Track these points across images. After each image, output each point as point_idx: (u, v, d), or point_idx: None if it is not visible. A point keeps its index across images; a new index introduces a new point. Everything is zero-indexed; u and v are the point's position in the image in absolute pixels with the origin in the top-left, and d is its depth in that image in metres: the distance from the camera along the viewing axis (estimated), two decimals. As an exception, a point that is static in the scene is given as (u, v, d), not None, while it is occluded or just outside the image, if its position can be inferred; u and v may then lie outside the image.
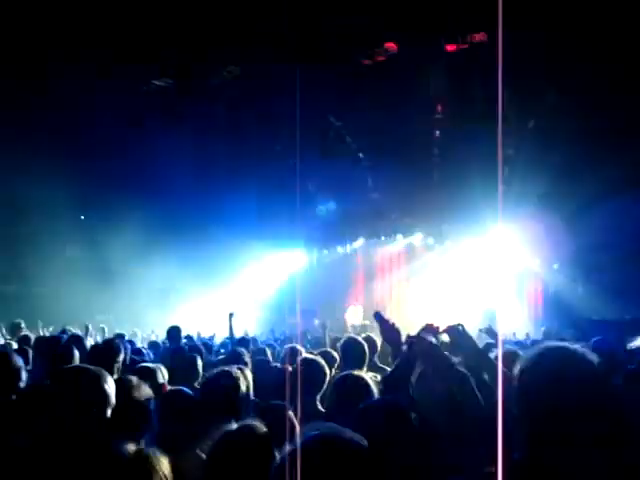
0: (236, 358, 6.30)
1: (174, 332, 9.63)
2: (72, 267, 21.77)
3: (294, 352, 5.97)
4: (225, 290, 23.25)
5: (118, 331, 12.46)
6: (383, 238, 24.25)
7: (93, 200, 21.11)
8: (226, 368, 4.30)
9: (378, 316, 4.48)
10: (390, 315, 4.82)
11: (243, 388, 4.10)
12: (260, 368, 6.27)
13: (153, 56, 13.65)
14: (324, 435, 1.82)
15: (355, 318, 22.57)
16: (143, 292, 21.49)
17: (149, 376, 4.76)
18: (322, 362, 5.14)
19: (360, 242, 24.59)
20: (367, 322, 21.84)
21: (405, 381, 3.82)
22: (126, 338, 10.53)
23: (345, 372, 4.58)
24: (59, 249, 22.53)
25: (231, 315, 9.97)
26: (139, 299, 21.23)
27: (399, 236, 23.93)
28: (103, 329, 13.55)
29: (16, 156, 16.44)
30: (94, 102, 15.26)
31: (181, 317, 17.81)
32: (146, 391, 3.72)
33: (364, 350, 5.89)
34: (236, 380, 4.09)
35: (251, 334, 15.14)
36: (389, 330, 4.39)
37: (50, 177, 16.92)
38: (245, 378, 4.25)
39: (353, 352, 5.88)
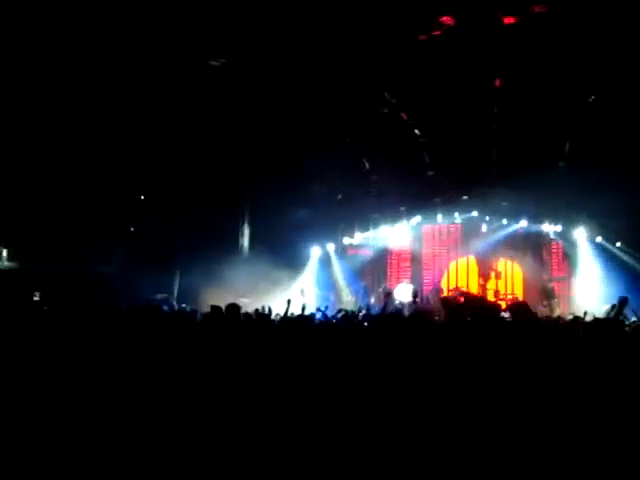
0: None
1: (232, 309, 9.75)
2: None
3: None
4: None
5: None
6: (440, 216, 23.99)
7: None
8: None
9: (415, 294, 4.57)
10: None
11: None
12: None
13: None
14: None
15: (404, 295, 22.48)
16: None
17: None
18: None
19: (417, 219, 24.37)
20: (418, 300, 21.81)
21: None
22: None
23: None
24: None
25: (289, 301, 10.48)
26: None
27: (456, 214, 23.64)
28: None
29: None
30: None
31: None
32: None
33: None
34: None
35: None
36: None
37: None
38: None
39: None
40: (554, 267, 22.55)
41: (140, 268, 20.71)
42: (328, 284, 25.77)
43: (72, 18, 12.36)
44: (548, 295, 20.10)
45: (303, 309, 11.11)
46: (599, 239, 20.87)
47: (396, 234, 24.63)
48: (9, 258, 20.33)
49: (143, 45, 13.64)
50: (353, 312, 11.16)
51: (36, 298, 16.92)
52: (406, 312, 11.32)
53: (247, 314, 12.07)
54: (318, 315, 13.19)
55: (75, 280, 19.98)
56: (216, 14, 12.66)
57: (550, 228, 22.03)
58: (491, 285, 22.41)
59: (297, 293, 22.47)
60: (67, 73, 14.46)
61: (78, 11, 12.12)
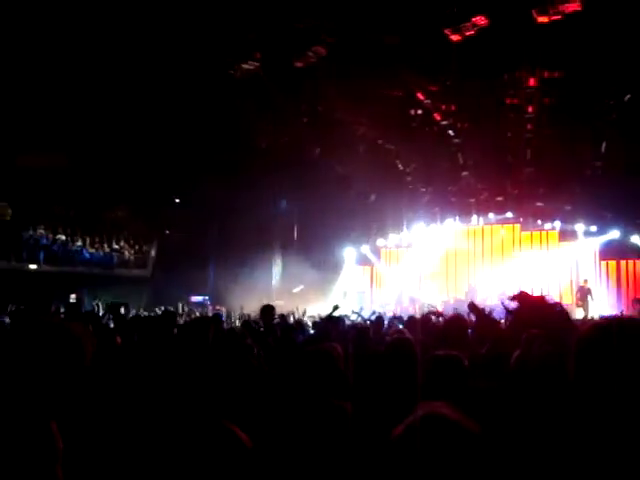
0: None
1: (267, 310, 9.80)
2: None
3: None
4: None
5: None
6: (475, 217, 23.91)
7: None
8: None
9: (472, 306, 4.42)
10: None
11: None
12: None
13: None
14: (439, 415, 1.83)
15: (437, 297, 22.50)
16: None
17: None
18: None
19: (450, 221, 24.33)
20: (449, 300, 21.79)
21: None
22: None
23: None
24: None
25: (336, 307, 10.60)
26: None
27: (490, 215, 23.53)
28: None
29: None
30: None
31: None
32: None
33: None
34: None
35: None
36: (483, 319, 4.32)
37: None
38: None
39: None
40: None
41: (174, 270, 20.95)
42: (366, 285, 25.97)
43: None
44: (584, 296, 19.94)
45: (335, 309, 11.19)
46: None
47: (432, 235, 24.59)
48: (45, 261, 20.70)
49: (165, 51, 13.78)
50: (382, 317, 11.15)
51: (72, 300, 17.20)
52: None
53: (282, 316, 12.21)
54: (353, 317, 13.24)
55: (111, 282, 20.26)
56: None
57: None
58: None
59: (339, 295, 22.61)
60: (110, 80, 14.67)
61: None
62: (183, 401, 3.25)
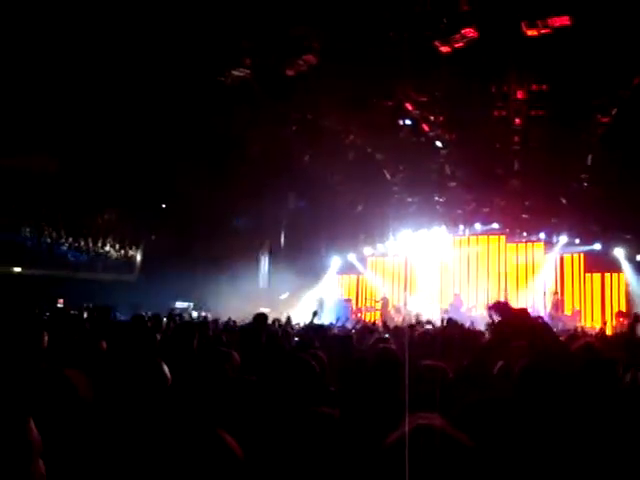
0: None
1: (260, 319, 9.78)
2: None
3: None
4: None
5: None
6: (461, 227, 24.01)
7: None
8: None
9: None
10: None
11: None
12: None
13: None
14: (429, 428, 1.83)
15: (422, 307, 22.57)
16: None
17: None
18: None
19: (436, 231, 24.40)
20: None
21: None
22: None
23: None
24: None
25: (315, 314, 10.78)
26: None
27: (477, 225, 23.63)
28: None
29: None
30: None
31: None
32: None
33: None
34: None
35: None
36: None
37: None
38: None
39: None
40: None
41: (160, 275, 20.88)
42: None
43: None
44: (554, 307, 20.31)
45: (314, 315, 11.31)
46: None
47: (418, 244, 24.65)
48: (30, 264, 20.57)
49: (162, 54, 13.76)
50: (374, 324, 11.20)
51: (60, 305, 17.09)
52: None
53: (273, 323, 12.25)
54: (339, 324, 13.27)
55: (96, 286, 20.15)
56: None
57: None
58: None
59: (314, 302, 22.61)
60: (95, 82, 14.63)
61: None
62: (171, 408, 3.24)
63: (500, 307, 4.41)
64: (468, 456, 1.79)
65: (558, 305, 20.71)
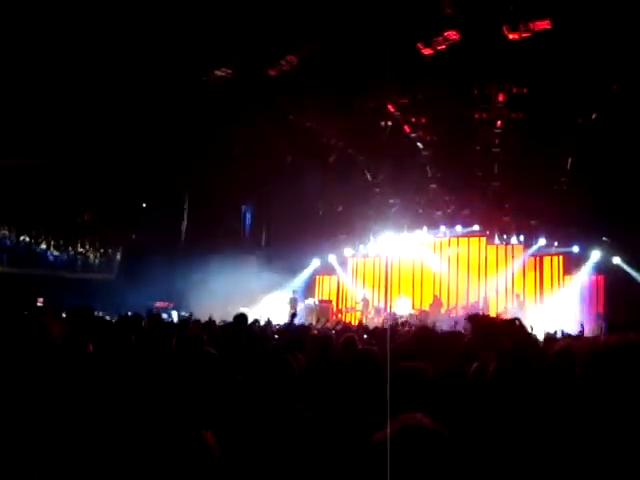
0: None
1: (240, 319, 9.75)
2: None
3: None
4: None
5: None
6: (442, 229, 24.06)
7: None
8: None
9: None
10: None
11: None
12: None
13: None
14: (419, 427, 1.84)
15: (403, 309, 22.59)
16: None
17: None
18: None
19: (417, 233, 24.44)
20: (414, 312, 21.94)
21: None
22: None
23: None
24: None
25: (294, 315, 10.81)
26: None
27: (457, 227, 23.69)
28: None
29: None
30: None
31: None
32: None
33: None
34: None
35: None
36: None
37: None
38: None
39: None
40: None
41: (140, 275, 20.76)
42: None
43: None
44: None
45: (293, 317, 11.32)
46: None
47: (399, 246, 24.68)
48: (9, 263, 20.39)
49: (150, 54, 13.70)
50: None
51: (39, 304, 16.92)
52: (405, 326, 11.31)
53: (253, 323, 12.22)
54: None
55: (75, 285, 20.00)
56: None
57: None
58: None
59: (285, 301, 22.64)
60: (70, 80, 14.52)
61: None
62: (156, 409, 3.23)
63: (478, 320, 4.41)
64: (456, 454, 1.80)
65: (521, 306, 20.85)
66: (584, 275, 21.50)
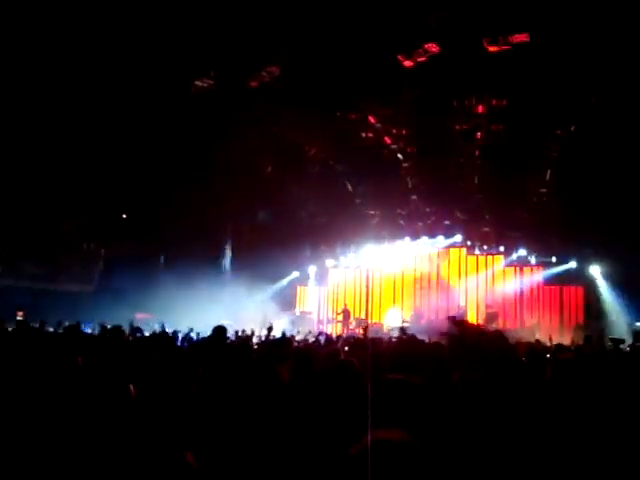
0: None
1: (220, 332, 9.68)
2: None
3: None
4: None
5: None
6: (423, 240, 24.11)
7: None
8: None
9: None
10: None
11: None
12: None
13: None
14: (389, 441, 1.85)
15: (394, 320, 22.56)
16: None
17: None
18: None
19: (398, 243, 24.48)
20: (406, 323, 21.92)
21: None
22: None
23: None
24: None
25: (270, 328, 10.84)
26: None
27: (438, 238, 23.77)
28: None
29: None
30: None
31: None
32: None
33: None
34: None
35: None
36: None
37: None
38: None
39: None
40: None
41: (120, 287, 20.64)
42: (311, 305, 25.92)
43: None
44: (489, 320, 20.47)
45: (269, 330, 11.33)
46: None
47: (380, 256, 24.69)
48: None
49: (133, 67, 13.68)
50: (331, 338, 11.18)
51: (19, 317, 16.74)
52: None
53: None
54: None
55: (55, 297, 19.85)
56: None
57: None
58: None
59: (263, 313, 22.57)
60: (49, 89, 14.45)
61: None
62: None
63: (459, 322, 4.45)
64: (430, 467, 1.82)
65: (493, 318, 20.86)
66: (565, 286, 21.68)
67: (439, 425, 3.20)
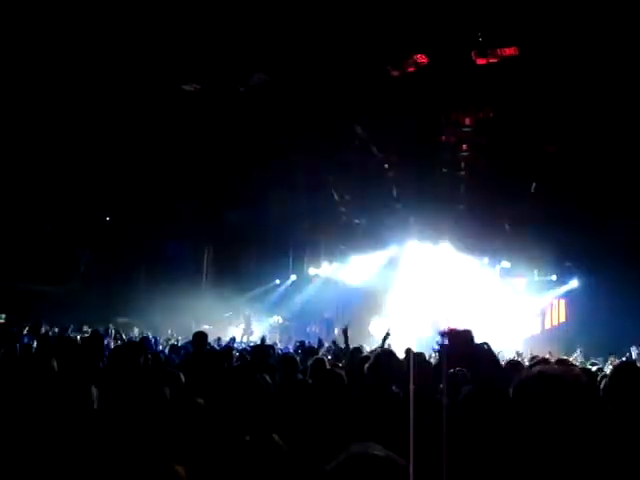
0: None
1: (200, 338, 9.56)
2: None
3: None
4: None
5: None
6: (407, 249, 24.10)
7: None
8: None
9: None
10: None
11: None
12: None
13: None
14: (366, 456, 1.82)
15: (380, 330, 22.50)
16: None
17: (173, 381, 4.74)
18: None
19: (386, 252, 24.46)
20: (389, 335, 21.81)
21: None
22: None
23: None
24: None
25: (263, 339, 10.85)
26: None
27: (423, 247, 23.77)
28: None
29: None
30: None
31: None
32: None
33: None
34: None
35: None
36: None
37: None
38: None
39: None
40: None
41: (101, 290, 20.50)
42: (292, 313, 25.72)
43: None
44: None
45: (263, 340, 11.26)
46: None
47: (364, 265, 24.65)
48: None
49: (113, 71, 13.58)
50: (312, 347, 10.97)
51: (1, 321, 16.51)
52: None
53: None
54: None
55: (34, 299, 19.62)
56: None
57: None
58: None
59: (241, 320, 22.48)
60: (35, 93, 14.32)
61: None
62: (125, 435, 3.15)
63: (449, 333, 4.36)
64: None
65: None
66: (546, 298, 21.79)
67: (422, 439, 3.15)
